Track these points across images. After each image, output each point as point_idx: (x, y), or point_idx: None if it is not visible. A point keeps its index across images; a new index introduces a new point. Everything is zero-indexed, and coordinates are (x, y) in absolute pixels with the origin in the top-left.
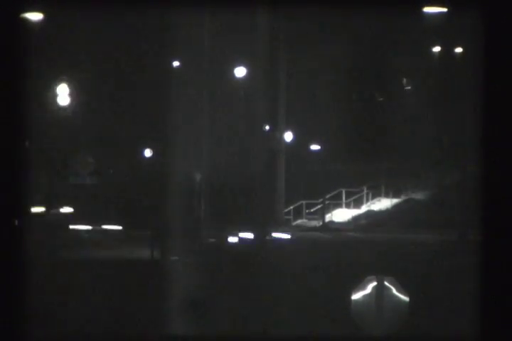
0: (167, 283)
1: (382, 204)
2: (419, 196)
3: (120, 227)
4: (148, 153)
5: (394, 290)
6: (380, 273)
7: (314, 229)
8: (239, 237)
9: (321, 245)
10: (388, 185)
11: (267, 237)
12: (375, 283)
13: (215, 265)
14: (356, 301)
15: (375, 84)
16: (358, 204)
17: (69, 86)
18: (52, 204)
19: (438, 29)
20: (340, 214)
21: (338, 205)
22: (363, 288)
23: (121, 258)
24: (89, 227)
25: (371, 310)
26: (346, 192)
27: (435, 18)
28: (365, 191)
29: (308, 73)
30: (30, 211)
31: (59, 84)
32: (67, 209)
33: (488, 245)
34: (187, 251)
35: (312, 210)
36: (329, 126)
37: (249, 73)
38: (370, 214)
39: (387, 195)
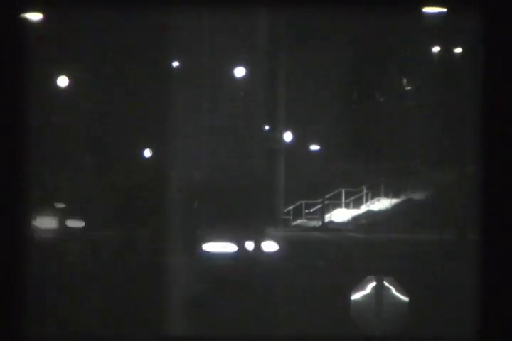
0: (166, 285)
1: (382, 204)
2: (419, 196)
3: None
4: (147, 153)
5: (393, 290)
6: (379, 273)
7: (314, 229)
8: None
9: (320, 245)
10: (388, 185)
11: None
12: (374, 283)
13: (212, 266)
14: (356, 301)
15: (375, 84)
16: (357, 204)
17: (69, 86)
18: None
19: (438, 29)
20: (340, 214)
21: (338, 205)
22: (363, 288)
23: (120, 259)
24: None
25: (371, 310)
26: (346, 192)
27: (435, 18)
28: (364, 191)
29: (308, 73)
30: (29, 210)
31: (59, 84)
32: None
33: (488, 245)
34: (186, 252)
35: (312, 210)
36: (329, 126)
37: (249, 73)
38: (369, 214)
39: (386, 195)
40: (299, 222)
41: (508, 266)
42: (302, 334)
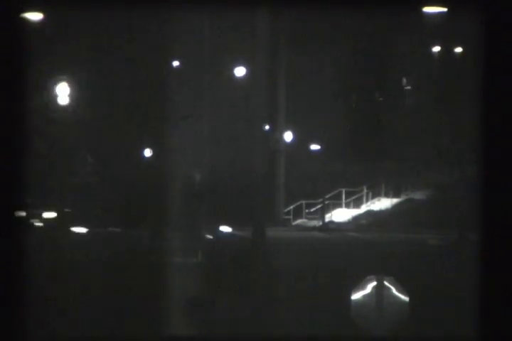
0: (167, 284)
1: (382, 204)
2: (419, 196)
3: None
4: (148, 152)
5: (394, 290)
6: (379, 273)
7: (314, 228)
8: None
9: (320, 245)
10: (388, 184)
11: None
12: (375, 283)
13: (213, 265)
14: (356, 301)
15: (375, 84)
16: (357, 204)
17: (69, 86)
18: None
19: (438, 29)
20: (340, 214)
21: (338, 205)
22: (363, 288)
23: (121, 259)
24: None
25: (371, 310)
26: (346, 192)
27: (435, 18)
28: (364, 191)
29: (308, 73)
30: (29, 210)
31: (59, 84)
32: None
33: (488, 245)
34: (187, 251)
35: (312, 210)
36: (329, 125)
37: (249, 73)
38: (370, 213)
39: (387, 195)
40: (299, 221)
41: (508, 266)
42: (302, 335)
